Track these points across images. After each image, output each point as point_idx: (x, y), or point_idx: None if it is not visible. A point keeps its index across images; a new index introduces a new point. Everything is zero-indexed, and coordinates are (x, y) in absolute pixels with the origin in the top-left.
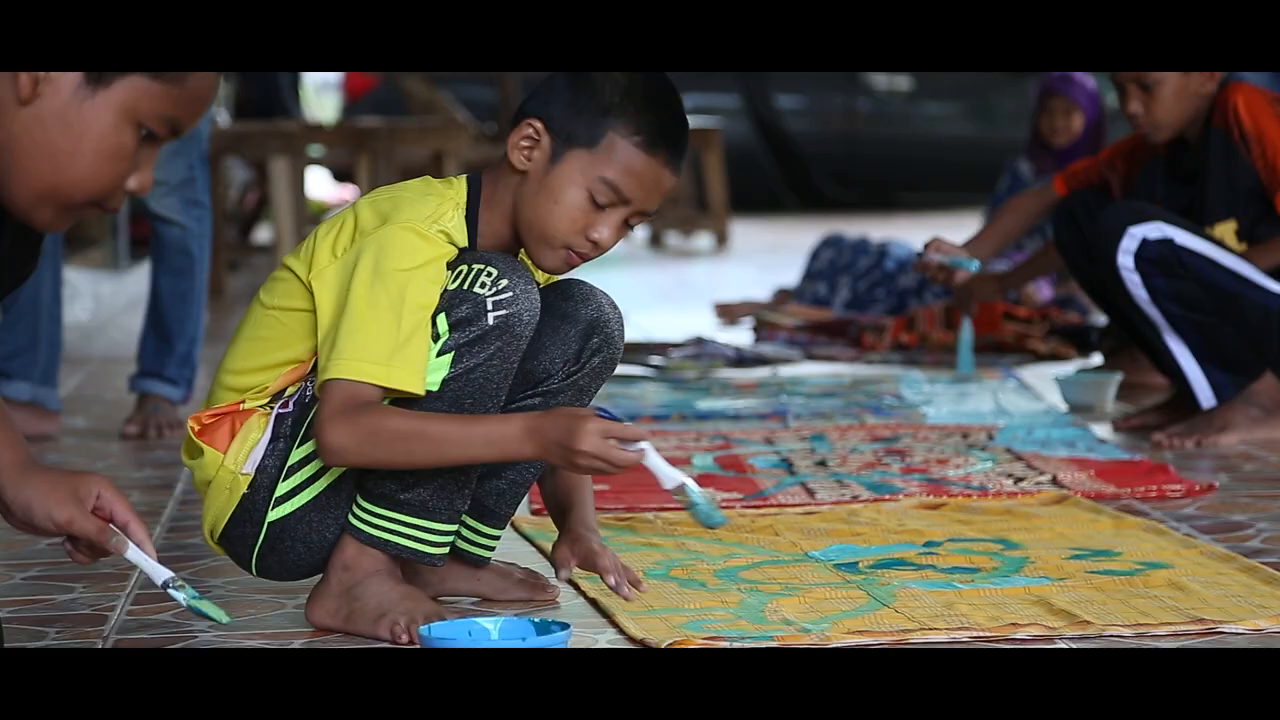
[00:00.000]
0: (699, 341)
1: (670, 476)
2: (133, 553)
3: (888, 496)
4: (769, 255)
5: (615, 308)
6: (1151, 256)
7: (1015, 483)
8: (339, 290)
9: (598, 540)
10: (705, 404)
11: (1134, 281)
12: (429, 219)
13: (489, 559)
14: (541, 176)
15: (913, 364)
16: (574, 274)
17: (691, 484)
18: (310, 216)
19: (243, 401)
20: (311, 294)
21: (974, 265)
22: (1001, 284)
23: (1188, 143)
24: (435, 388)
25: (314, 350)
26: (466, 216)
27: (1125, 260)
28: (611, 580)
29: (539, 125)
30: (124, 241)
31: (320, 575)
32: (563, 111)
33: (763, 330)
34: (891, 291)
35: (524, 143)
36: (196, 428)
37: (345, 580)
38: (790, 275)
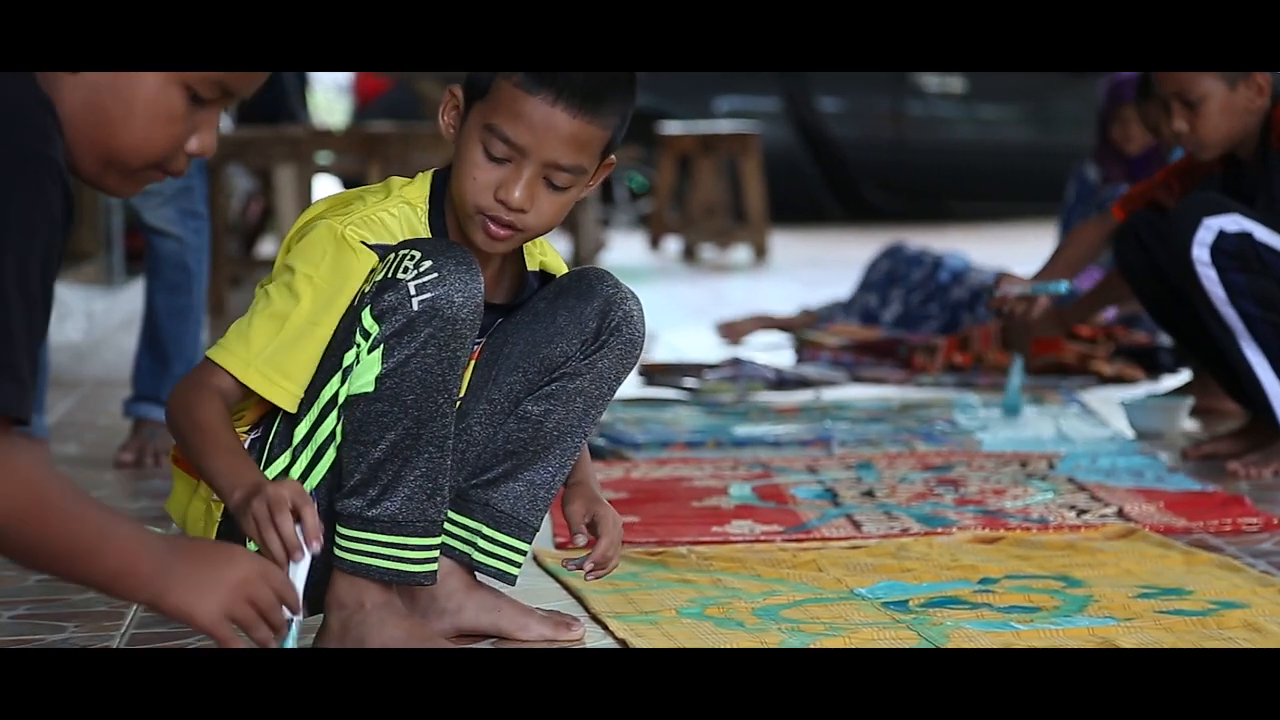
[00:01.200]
0: (736, 362)
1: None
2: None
3: (940, 530)
4: (811, 269)
5: (632, 292)
6: (1229, 249)
7: (1078, 515)
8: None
9: (606, 508)
10: (743, 430)
11: (1210, 278)
12: (358, 220)
13: (516, 576)
14: (460, 140)
15: (967, 387)
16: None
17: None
18: None
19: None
20: None
21: (1062, 286)
22: (1062, 319)
23: (1243, 162)
24: (370, 388)
25: None
26: (430, 211)
27: (1200, 253)
28: (587, 565)
29: (459, 92)
30: (118, 256)
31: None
32: (470, 76)
33: (805, 350)
34: (945, 306)
35: (449, 111)
36: (178, 454)
37: (343, 619)
38: (833, 289)
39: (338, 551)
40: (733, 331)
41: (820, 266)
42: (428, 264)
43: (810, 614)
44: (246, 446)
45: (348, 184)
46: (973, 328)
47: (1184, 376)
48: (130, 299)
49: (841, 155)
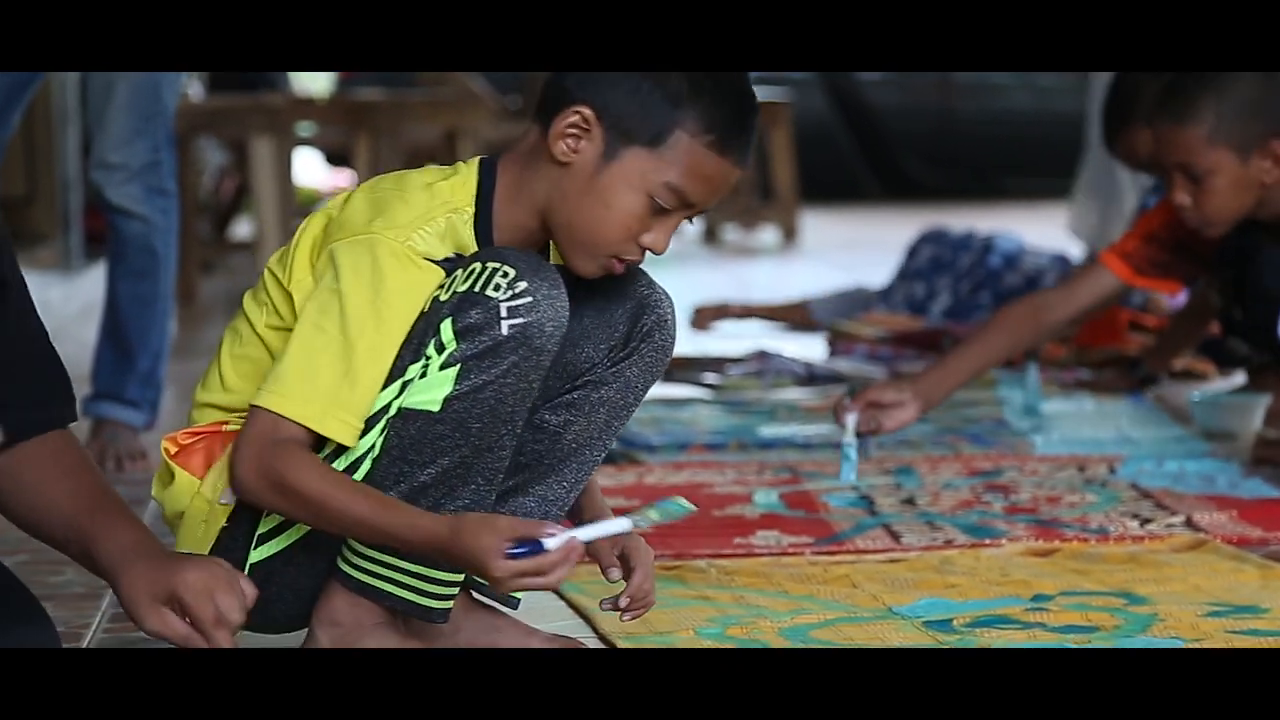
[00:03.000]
0: (762, 356)
1: (616, 528)
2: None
3: (988, 541)
4: (845, 252)
5: (666, 292)
6: None
7: (1142, 525)
8: (305, 309)
9: (634, 536)
10: (769, 430)
11: None
12: (412, 225)
13: (519, 599)
14: (590, 175)
15: (1018, 383)
16: None
17: (640, 516)
18: (299, 208)
19: (226, 423)
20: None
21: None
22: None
23: (1267, 226)
24: (436, 407)
25: None
26: (478, 212)
27: None
28: (624, 602)
29: (589, 114)
30: (77, 238)
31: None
32: (621, 100)
33: (839, 343)
34: (998, 294)
35: (570, 131)
36: (173, 449)
37: (335, 637)
38: (871, 274)
39: (346, 568)
40: (701, 317)
41: (855, 249)
42: (522, 285)
43: (843, 634)
44: None
45: (331, 159)
46: None
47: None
48: (90, 286)
49: (881, 126)
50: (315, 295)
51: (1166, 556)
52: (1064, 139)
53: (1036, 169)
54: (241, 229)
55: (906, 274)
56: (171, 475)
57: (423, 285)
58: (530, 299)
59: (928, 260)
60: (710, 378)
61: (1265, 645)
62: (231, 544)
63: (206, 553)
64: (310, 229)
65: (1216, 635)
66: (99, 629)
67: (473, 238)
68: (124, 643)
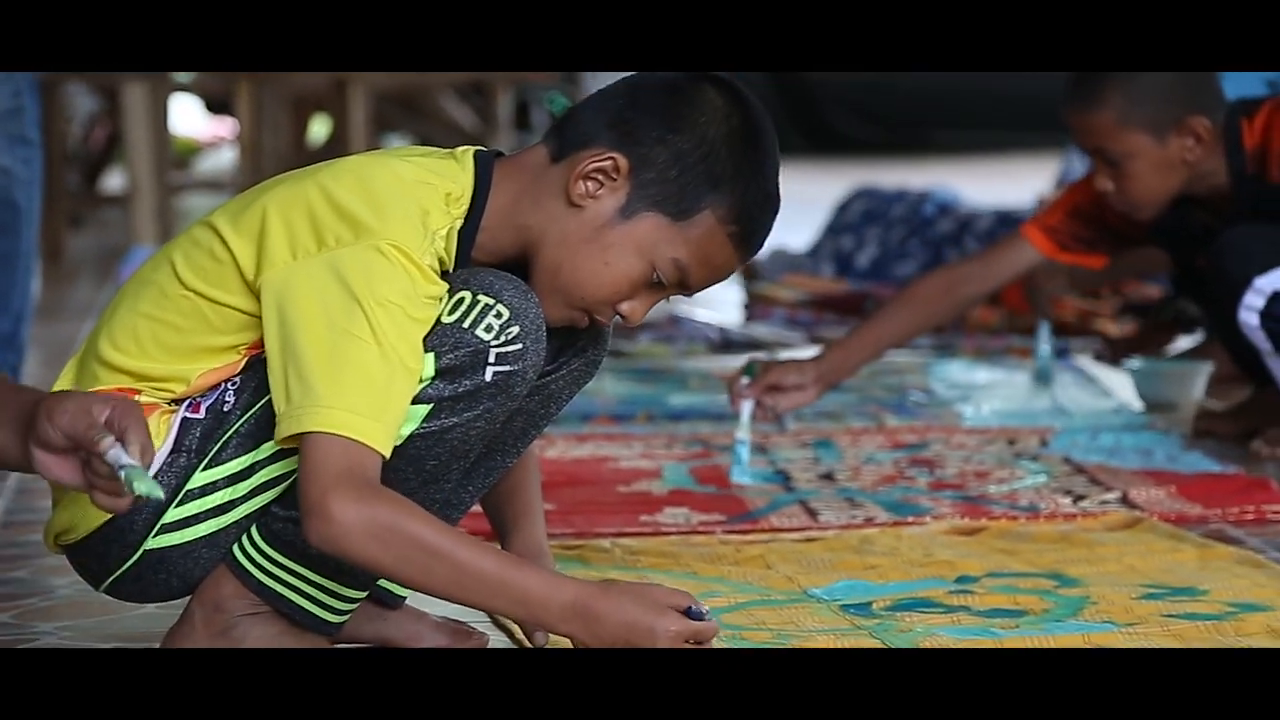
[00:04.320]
0: (673, 320)
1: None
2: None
3: (911, 519)
4: None
5: None
6: None
7: (1074, 502)
8: (302, 308)
9: (550, 566)
10: (680, 400)
11: (1259, 338)
12: (421, 234)
13: (404, 596)
14: (600, 226)
15: (946, 349)
16: None
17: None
18: (176, 159)
19: (138, 393)
20: (255, 294)
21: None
22: (1075, 280)
23: (1203, 200)
24: (399, 440)
25: (250, 346)
26: (467, 218)
27: (1249, 318)
28: (539, 639)
29: (624, 166)
30: None
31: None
32: (661, 164)
33: (755, 306)
34: (927, 242)
35: (596, 175)
36: None
37: (217, 623)
38: (792, 234)
39: (245, 562)
40: None
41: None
42: (515, 330)
43: (756, 619)
44: (177, 425)
45: (211, 106)
46: None
47: (1200, 337)
48: None
49: (803, 76)
50: (328, 300)
51: (1100, 535)
52: (1001, 90)
53: (972, 122)
54: (113, 181)
55: (835, 229)
56: None
57: (436, 302)
58: (520, 346)
59: (859, 214)
60: (618, 343)
61: (1202, 629)
62: (128, 528)
63: (95, 529)
64: (288, 211)
65: (1152, 619)
66: None
67: (455, 250)
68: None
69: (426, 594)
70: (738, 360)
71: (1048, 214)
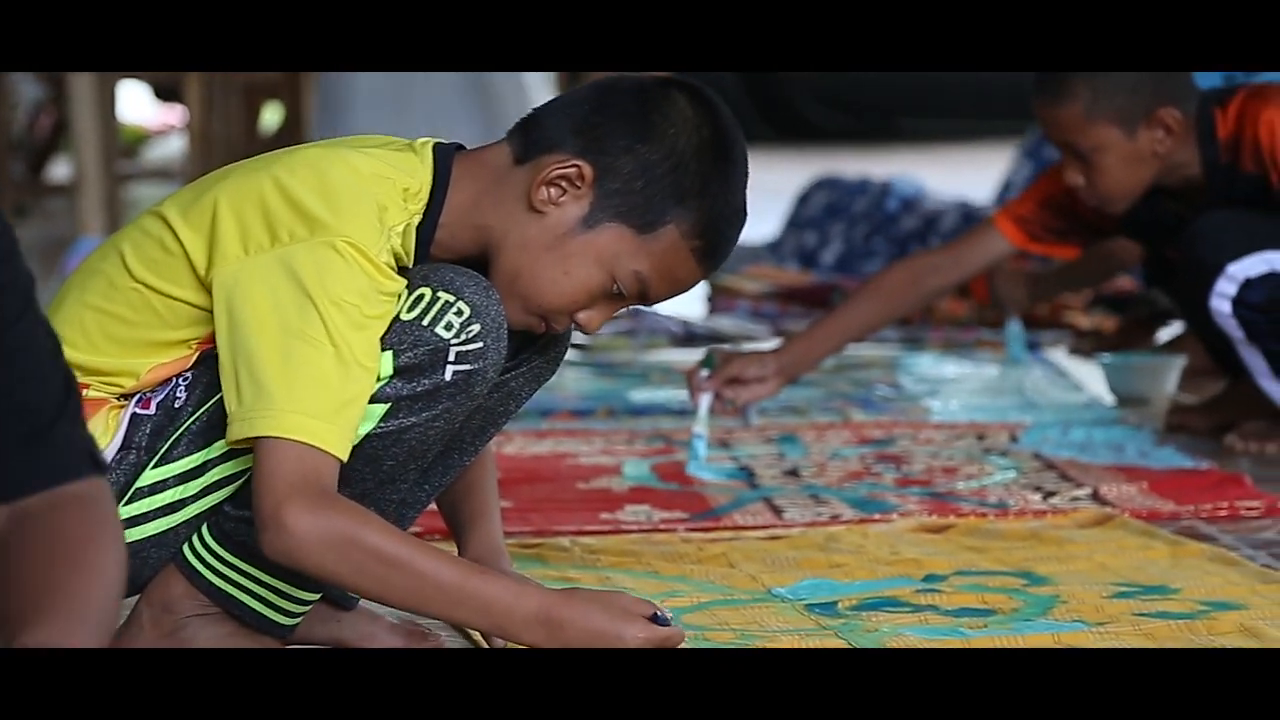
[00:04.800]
0: (634, 313)
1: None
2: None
3: (878, 516)
4: None
5: None
6: (1255, 302)
7: (1044, 498)
8: (254, 306)
9: (509, 567)
10: (641, 395)
11: (1231, 325)
12: (378, 231)
13: (359, 600)
14: (561, 234)
15: (914, 342)
16: None
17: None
18: (124, 147)
19: (87, 387)
20: (206, 288)
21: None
22: (1037, 288)
23: (1176, 192)
24: (355, 439)
25: (201, 340)
26: (425, 214)
27: (1221, 305)
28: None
29: (589, 174)
30: None
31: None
32: (627, 173)
33: (719, 299)
34: (893, 239)
35: (560, 182)
36: None
37: (165, 624)
38: (757, 224)
39: (195, 562)
40: None
41: None
42: (475, 328)
43: (718, 619)
44: (126, 421)
45: (160, 93)
46: None
47: (1175, 330)
48: None
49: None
50: (281, 299)
51: (1070, 533)
52: (972, 79)
53: (942, 110)
54: (60, 170)
55: (797, 223)
56: None
57: (394, 299)
58: (481, 345)
59: (821, 207)
60: (576, 336)
61: (1174, 628)
62: None
63: None
64: (240, 204)
65: (1123, 618)
66: None
67: (413, 246)
68: None
69: (386, 605)
70: (700, 354)
71: (1019, 203)
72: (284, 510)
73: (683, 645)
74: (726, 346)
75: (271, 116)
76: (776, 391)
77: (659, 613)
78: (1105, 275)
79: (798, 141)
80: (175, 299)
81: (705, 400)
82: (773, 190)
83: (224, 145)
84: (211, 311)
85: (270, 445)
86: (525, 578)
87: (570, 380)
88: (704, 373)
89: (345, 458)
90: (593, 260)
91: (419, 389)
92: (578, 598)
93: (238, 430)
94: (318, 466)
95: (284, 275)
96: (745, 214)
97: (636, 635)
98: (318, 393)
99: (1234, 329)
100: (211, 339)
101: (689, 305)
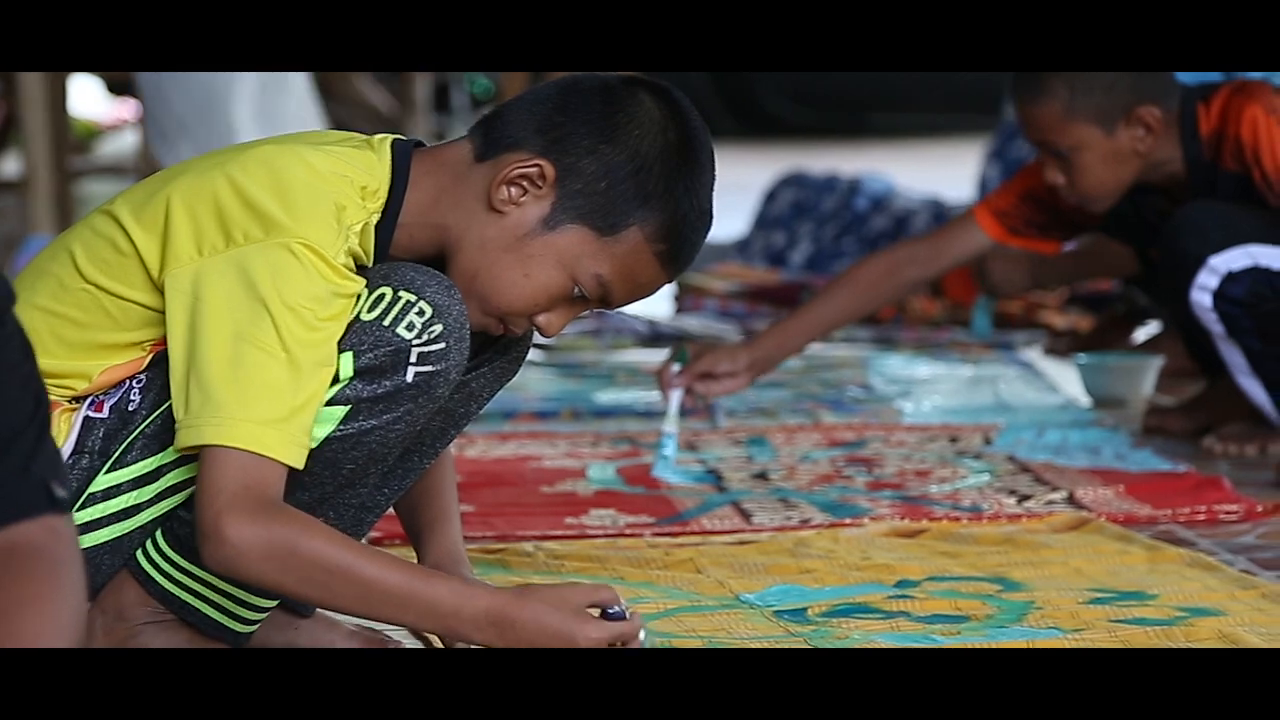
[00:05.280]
0: (600, 314)
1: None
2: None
3: (849, 520)
4: None
5: None
6: (1236, 296)
7: (1019, 502)
8: (206, 311)
9: (469, 573)
10: (606, 397)
11: (1211, 319)
12: (336, 231)
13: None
14: (521, 235)
15: (886, 342)
16: None
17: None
18: (75, 142)
19: None
20: (159, 289)
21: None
22: (1039, 273)
23: (1161, 190)
24: (314, 443)
25: (155, 342)
26: (384, 212)
27: (1201, 298)
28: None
29: (550, 174)
30: None
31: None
32: (589, 174)
33: (686, 298)
34: (863, 239)
35: (520, 181)
36: None
37: (119, 631)
38: (724, 222)
39: (148, 568)
40: None
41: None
42: (438, 329)
43: (686, 626)
44: (78, 425)
45: (113, 88)
46: None
47: (1153, 330)
48: None
49: None
50: (232, 304)
51: (1046, 537)
52: (933, 73)
53: (911, 104)
54: (9, 166)
55: (765, 222)
56: None
57: (352, 300)
58: (443, 345)
59: (789, 206)
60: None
61: (1151, 635)
62: None
63: None
64: (193, 203)
65: (1099, 624)
66: None
67: (372, 245)
68: None
69: (336, 612)
70: (667, 354)
71: (999, 197)
72: (223, 521)
73: (640, 637)
74: (672, 349)
75: None
76: (750, 385)
77: (614, 606)
78: (1113, 270)
79: (765, 137)
80: (127, 300)
81: (676, 397)
82: (740, 186)
83: None
84: (164, 313)
85: (214, 454)
86: (477, 580)
87: (534, 381)
88: (675, 368)
89: (298, 464)
90: (553, 262)
91: (380, 391)
92: (530, 596)
93: (184, 438)
94: (263, 475)
95: (238, 279)
96: (711, 218)
97: (589, 635)
98: (267, 399)
99: (1214, 323)
100: (165, 340)
101: (656, 305)
